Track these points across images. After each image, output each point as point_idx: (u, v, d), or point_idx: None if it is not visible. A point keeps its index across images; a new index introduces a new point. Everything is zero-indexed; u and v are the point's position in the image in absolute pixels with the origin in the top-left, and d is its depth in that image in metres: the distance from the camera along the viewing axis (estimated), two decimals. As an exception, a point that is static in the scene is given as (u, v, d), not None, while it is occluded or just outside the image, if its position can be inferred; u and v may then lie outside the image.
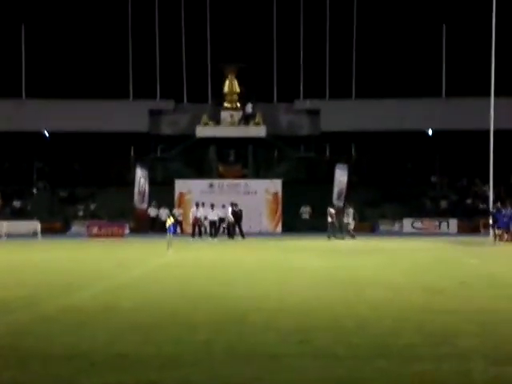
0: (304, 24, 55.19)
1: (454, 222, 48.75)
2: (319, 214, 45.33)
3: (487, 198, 44.47)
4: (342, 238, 39.23)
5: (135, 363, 7.11)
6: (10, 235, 43.38)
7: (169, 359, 7.33)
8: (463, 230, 47.63)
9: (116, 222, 46.72)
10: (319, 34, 54.55)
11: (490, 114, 41.84)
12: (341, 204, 45.18)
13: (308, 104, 54.33)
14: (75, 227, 49.25)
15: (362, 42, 54.49)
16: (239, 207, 42.21)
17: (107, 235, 43.75)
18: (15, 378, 6.43)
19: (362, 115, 52.35)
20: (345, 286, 15.39)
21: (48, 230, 46.74)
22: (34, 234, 45.06)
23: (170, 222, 34.93)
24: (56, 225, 49.10)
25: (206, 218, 42.13)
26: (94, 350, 7.74)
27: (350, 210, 41.25)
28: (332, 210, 40.94)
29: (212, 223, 41.76)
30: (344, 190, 48.15)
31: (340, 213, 41.61)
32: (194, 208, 42.76)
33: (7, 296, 12.83)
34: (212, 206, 42.21)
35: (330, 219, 40.30)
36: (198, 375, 6.69)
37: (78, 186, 52.67)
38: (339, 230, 40.60)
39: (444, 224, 48.98)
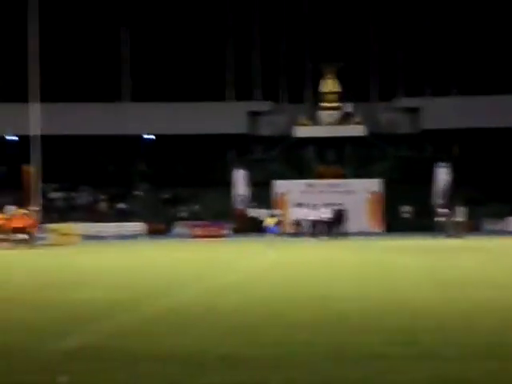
0: (402, 21, 54.55)
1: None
2: (420, 213, 44.73)
3: None
4: (454, 237, 38.58)
5: (240, 364, 7.19)
6: (114, 236, 44.46)
7: (272, 360, 7.37)
8: None
9: (217, 223, 47.22)
10: (418, 31, 53.85)
11: None
12: (445, 203, 44.52)
13: (407, 102, 53.67)
14: (177, 228, 50.00)
15: (462, 39, 53.45)
16: (343, 207, 42.04)
17: (209, 236, 44.24)
18: (126, 379, 6.57)
19: (463, 112, 51.38)
20: (448, 285, 15.12)
21: (151, 231, 47.68)
22: (138, 236, 46.02)
23: (270, 222, 35.12)
24: (159, 226, 49.96)
25: (305, 218, 42.17)
26: (200, 350, 7.85)
27: (460, 209, 40.57)
28: (442, 210, 40.45)
29: (312, 223, 41.77)
30: (446, 189, 47.40)
31: (449, 212, 41.02)
32: (294, 208, 42.87)
33: (112, 298, 13.13)
34: (312, 206, 42.22)
35: (439, 219, 39.77)
36: (301, 376, 6.71)
37: (180, 188, 53.42)
38: (450, 229, 39.97)
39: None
